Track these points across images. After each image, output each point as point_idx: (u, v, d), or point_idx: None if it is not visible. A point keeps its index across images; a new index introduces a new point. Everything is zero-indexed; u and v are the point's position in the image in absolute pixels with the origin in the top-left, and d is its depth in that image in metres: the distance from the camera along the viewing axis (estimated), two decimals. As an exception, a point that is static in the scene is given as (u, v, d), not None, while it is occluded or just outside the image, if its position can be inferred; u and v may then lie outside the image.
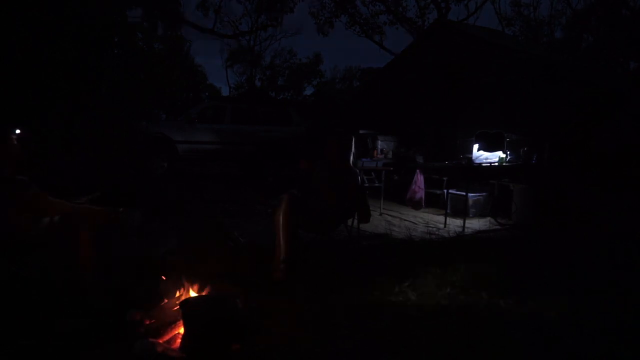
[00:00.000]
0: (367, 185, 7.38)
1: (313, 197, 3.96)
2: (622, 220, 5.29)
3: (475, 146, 6.47)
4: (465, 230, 5.81)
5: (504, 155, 6.38)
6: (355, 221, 4.36)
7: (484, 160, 6.39)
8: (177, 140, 9.17)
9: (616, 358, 2.62)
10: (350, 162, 4.12)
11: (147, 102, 5.57)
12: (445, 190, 6.98)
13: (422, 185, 7.28)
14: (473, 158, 6.41)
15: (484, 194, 6.84)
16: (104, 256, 3.14)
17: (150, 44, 6.01)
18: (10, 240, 2.68)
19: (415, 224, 6.21)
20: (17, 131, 3.21)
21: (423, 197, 7.30)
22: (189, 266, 3.01)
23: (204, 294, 2.75)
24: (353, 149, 4.08)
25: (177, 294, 2.72)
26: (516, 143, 6.72)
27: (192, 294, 2.73)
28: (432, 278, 3.70)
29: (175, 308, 2.60)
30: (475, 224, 6.21)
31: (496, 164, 6.36)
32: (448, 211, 6.46)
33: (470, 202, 6.56)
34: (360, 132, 8.58)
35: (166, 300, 2.69)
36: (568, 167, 6.21)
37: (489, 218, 6.52)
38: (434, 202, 7.38)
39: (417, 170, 7.29)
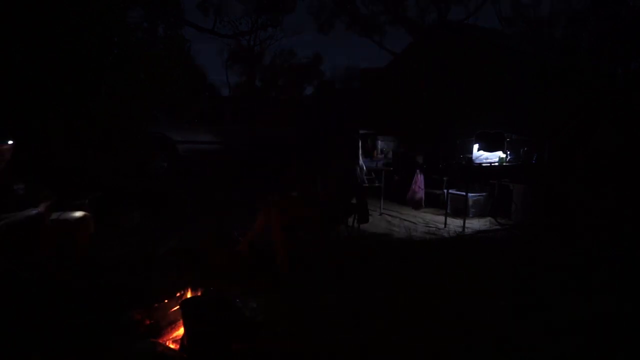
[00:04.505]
0: (366, 185, 7.37)
1: (313, 197, 3.97)
2: (623, 219, 5.28)
3: (475, 146, 6.45)
4: (465, 230, 5.81)
5: (504, 155, 6.37)
6: (355, 221, 4.36)
7: (484, 160, 6.38)
8: (177, 140, 9.18)
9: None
10: (360, 161, 4.11)
11: (147, 102, 5.54)
12: (445, 190, 6.98)
13: (422, 185, 7.28)
14: (473, 158, 6.40)
15: (484, 194, 6.84)
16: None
17: (150, 44, 5.99)
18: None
19: (415, 224, 6.20)
20: (10, 142, 3.20)
21: (423, 197, 7.29)
22: (189, 266, 3.01)
23: (203, 294, 2.75)
24: (360, 148, 4.08)
25: (177, 294, 2.72)
26: (516, 143, 6.70)
27: (192, 294, 2.73)
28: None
29: (175, 308, 2.59)
30: (475, 224, 6.21)
31: (496, 164, 6.36)
32: (448, 211, 6.45)
33: (470, 202, 6.55)
34: (360, 132, 8.57)
35: (166, 300, 2.69)
36: (568, 167, 6.20)
37: (489, 218, 6.52)
38: (434, 202, 7.38)
39: (417, 170, 7.28)
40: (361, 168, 4.06)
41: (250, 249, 3.79)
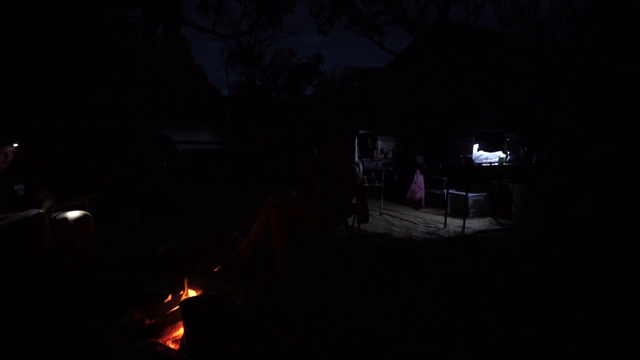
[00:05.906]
0: (367, 185, 7.38)
1: (313, 196, 3.96)
2: (622, 219, 5.29)
3: (475, 146, 6.46)
4: (465, 230, 5.81)
5: (504, 155, 6.38)
6: (355, 221, 4.36)
7: (484, 160, 6.38)
8: (177, 140, 9.19)
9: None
10: (356, 161, 4.09)
11: (147, 102, 5.55)
12: (445, 190, 6.98)
13: (422, 185, 7.28)
14: (473, 158, 6.40)
15: (484, 194, 6.84)
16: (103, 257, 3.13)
17: (150, 44, 6.00)
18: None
19: (415, 224, 6.21)
20: (15, 145, 3.22)
21: (423, 197, 7.29)
22: (188, 266, 3.01)
23: (203, 294, 2.75)
24: (357, 149, 4.06)
25: (177, 294, 2.73)
26: (516, 143, 6.71)
27: (192, 294, 2.74)
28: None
29: (175, 308, 2.60)
30: (475, 224, 6.21)
31: (496, 164, 6.36)
32: (448, 211, 6.45)
33: (470, 202, 6.56)
34: (360, 132, 8.58)
35: (166, 300, 2.69)
36: (568, 167, 6.21)
37: (489, 218, 6.52)
38: (434, 202, 7.38)
39: (417, 170, 7.29)
40: (358, 165, 4.05)
41: (250, 249, 3.79)
